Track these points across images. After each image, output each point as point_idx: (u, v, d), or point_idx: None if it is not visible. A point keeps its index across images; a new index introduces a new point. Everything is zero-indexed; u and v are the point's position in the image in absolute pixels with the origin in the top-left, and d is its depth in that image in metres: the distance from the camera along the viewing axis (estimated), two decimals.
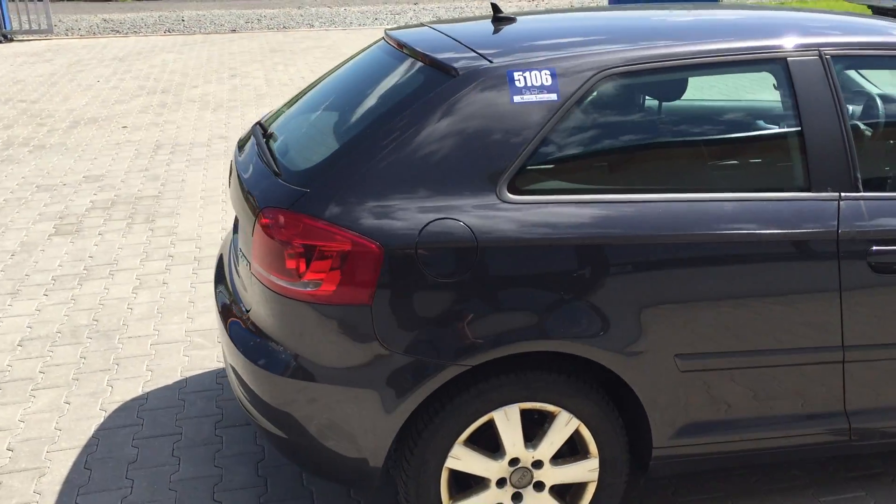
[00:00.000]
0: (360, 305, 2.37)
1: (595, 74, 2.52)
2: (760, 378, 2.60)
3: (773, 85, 2.68)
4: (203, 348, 4.11)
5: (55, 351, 4.10)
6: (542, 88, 2.49)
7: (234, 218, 3.34)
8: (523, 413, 2.52)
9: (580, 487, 2.65)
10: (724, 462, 2.71)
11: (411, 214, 2.38)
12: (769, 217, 2.52)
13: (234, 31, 15.78)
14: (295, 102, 3.27)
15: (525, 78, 2.50)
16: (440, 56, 2.67)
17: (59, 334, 4.26)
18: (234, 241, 3.11)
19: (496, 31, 2.96)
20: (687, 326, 2.50)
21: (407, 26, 3.34)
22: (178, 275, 4.96)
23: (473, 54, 2.64)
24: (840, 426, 2.72)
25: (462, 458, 2.52)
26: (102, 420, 3.53)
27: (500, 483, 2.58)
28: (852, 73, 2.97)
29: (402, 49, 2.93)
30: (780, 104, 2.64)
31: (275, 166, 2.68)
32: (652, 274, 2.46)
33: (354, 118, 2.77)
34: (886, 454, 3.19)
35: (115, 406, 3.64)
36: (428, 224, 2.37)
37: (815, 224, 2.53)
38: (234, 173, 3.01)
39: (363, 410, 2.43)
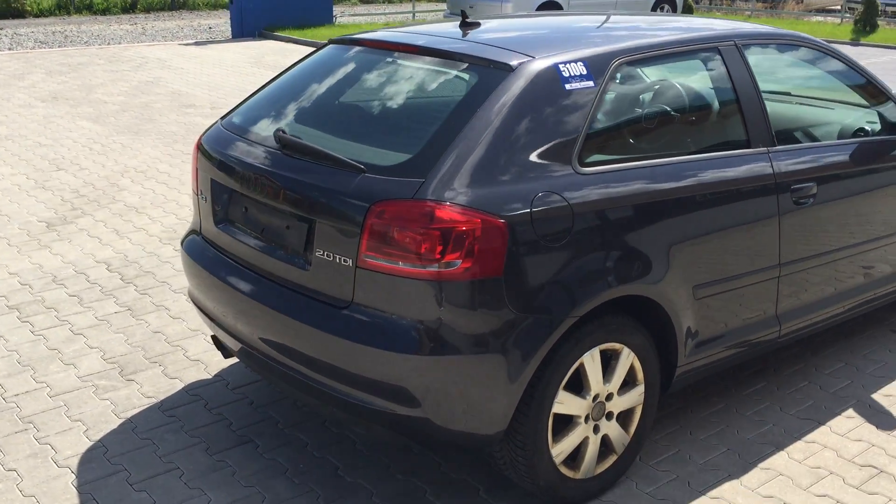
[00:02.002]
0: (493, 277, 2.63)
1: (614, 63, 3.03)
2: (737, 297, 3.33)
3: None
4: (116, 389, 3.81)
5: None
6: (581, 77, 2.95)
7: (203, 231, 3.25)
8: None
9: (630, 411, 3.14)
10: (713, 369, 3.39)
11: (518, 192, 2.69)
12: (739, 168, 3.25)
13: None
14: (275, 105, 3.34)
15: (568, 69, 2.94)
16: (483, 55, 2.98)
17: None
18: (255, 246, 3.06)
19: (479, 32, 3.32)
20: (698, 260, 3.13)
21: (365, 32, 3.53)
22: (7, 326, 4.41)
23: (512, 52, 2.99)
24: (774, 328, 3.55)
25: (564, 402, 2.89)
26: (75, 476, 3.20)
27: (586, 419, 2.98)
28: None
29: (416, 51, 3.18)
30: (725, 84, 3.38)
31: (354, 163, 2.77)
32: (678, 220, 3.05)
33: (414, 112, 2.97)
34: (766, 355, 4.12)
35: (75, 460, 3.29)
36: (534, 198, 2.70)
37: (762, 171, 3.32)
38: (254, 180, 3.00)
39: (496, 375, 2.68)
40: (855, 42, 16.20)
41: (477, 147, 2.70)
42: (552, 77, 2.90)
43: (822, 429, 3.54)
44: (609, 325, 2.93)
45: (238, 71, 12.98)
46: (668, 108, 3.29)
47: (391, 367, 2.67)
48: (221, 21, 20.78)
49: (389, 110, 3.09)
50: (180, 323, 4.47)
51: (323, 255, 2.79)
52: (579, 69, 2.96)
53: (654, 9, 17.29)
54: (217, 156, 3.28)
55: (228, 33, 17.83)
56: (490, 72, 2.92)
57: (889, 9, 19.89)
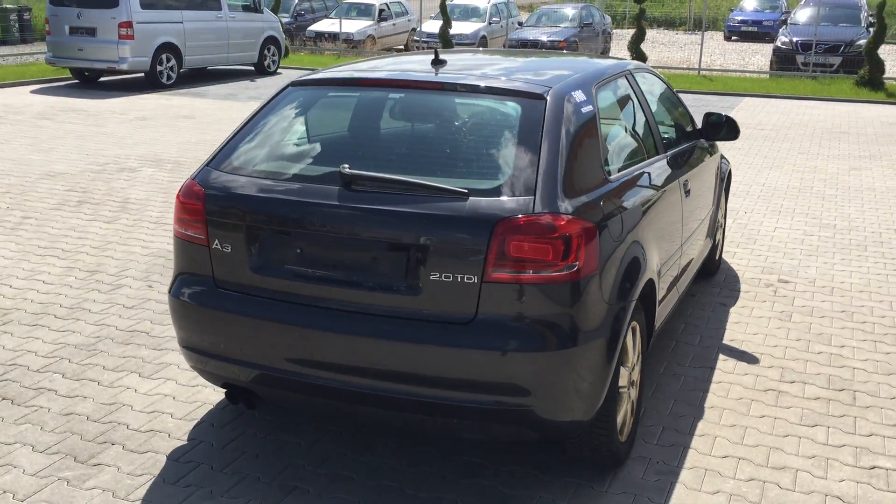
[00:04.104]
0: (594, 274, 3.06)
1: (593, 89, 3.62)
2: (670, 274, 4.10)
3: None
4: (93, 476, 3.41)
5: None
6: (585, 103, 3.48)
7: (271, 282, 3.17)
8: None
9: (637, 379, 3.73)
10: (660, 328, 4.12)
11: (590, 199, 3.16)
12: (668, 168, 4.05)
13: None
14: (286, 146, 3.40)
15: (577, 96, 3.45)
16: (513, 86, 3.36)
17: None
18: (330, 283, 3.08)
19: (467, 67, 3.67)
20: (660, 246, 3.83)
21: (328, 71, 3.66)
22: None
23: (529, 83, 3.40)
24: (676, 297, 4.40)
25: (622, 376, 3.39)
26: None
27: (627, 388, 3.51)
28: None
29: (439, 88, 3.42)
30: (639, 102, 4.13)
31: (456, 189, 2.99)
32: (654, 213, 3.73)
33: (472, 140, 3.26)
34: None
35: None
36: (601, 203, 3.19)
37: (673, 171, 4.15)
38: (318, 218, 3.06)
39: (600, 360, 3.10)
40: None
41: (557, 165, 3.10)
42: (572, 103, 3.39)
43: (717, 372, 4.47)
44: (637, 307, 3.49)
45: None
46: (626, 124, 3.96)
47: (516, 367, 2.95)
48: None
49: (440, 141, 3.30)
50: (85, 401, 4.02)
51: (439, 277, 2.96)
52: (581, 96, 3.49)
53: (261, 51, 17.76)
54: (245, 202, 3.19)
55: None
56: (527, 101, 3.31)
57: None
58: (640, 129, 4.19)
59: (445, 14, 19.28)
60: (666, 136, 4.55)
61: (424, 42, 21.49)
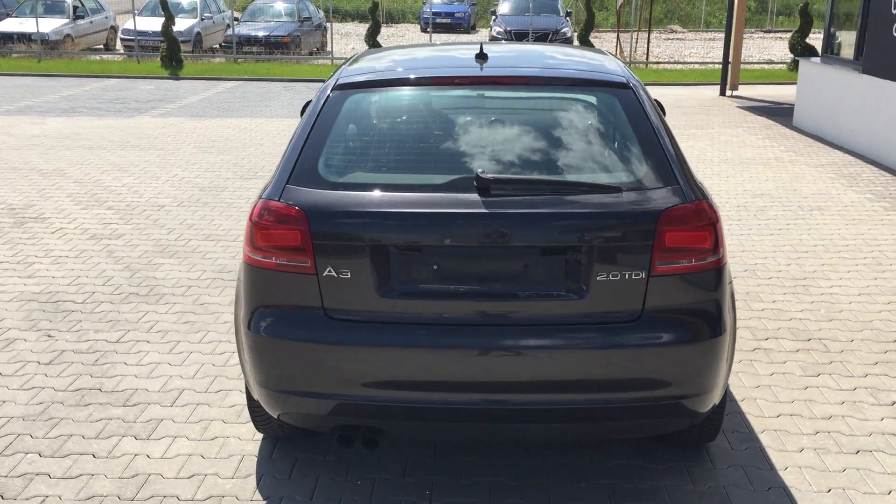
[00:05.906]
0: (725, 263, 3.10)
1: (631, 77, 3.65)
2: None
3: None
4: None
5: None
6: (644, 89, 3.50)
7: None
8: None
9: None
10: None
11: (700, 184, 3.19)
12: None
13: None
14: (384, 155, 3.13)
15: (641, 83, 3.46)
16: (597, 77, 3.28)
17: None
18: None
19: (527, 59, 3.53)
20: None
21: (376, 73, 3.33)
22: None
23: (606, 74, 3.34)
24: None
25: None
26: None
27: None
28: None
29: (525, 82, 3.25)
30: None
31: (608, 183, 2.88)
32: None
33: (583, 133, 3.14)
34: None
35: None
36: (703, 186, 3.24)
37: None
38: (460, 230, 2.84)
39: (732, 342, 3.13)
40: (175, 76, 17.18)
41: (675, 151, 3.09)
42: (643, 90, 3.38)
43: None
44: None
45: None
46: None
47: (683, 360, 2.92)
48: None
49: (549, 137, 3.11)
50: (97, 479, 3.33)
51: (606, 277, 2.84)
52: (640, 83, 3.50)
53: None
54: (366, 220, 2.83)
55: None
56: (618, 91, 3.24)
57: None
58: None
59: (167, 10, 18.02)
60: None
61: (138, 40, 19.96)
